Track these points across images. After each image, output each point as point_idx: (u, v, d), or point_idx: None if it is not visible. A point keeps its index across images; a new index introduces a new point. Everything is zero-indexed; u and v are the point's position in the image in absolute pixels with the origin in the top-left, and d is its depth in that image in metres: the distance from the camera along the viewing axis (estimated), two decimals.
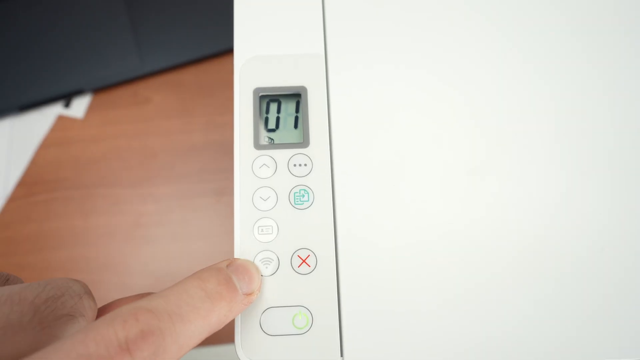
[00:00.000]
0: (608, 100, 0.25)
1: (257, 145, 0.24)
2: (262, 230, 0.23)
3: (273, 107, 0.25)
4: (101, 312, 0.20)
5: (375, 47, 0.26)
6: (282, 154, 0.24)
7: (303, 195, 0.24)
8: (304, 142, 0.24)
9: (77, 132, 0.48)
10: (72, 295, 0.18)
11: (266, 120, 0.25)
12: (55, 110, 0.49)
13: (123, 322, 0.15)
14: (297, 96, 0.25)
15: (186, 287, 0.18)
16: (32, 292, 0.18)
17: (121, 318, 0.16)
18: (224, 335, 0.43)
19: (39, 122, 0.48)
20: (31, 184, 0.47)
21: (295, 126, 0.25)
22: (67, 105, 0.49)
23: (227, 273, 0.20)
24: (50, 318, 0.17)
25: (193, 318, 0.17)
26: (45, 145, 0.48)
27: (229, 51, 0.49)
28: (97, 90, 0.49)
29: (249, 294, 0.21)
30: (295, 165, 0.24)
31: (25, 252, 0.45)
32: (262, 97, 0.25)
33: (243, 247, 0.23)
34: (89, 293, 0.19)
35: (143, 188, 0.46)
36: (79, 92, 0.48)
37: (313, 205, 0.24)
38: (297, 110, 0.25)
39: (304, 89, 0.25)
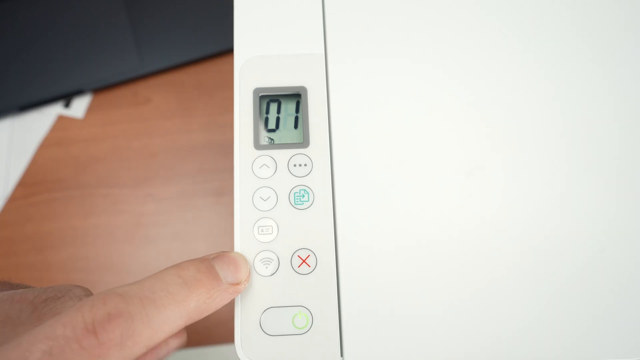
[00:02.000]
0: (610, 101, 0.25)
1: (257, 146, 0.24)
2: (262, 231, 0.23)
3: (273, 107, 0.25)
4: None
5: (376, 47, 0.26)
6: (282, 154, 0.24)
7: (303, 196, 0.24)
8: (304, 142, 0.24)
9: (77, 132, 0.48)
10: (72, 297, 0.19)
11: (266, 120, 0.25)
12: (55, 110, 0.49)
13: (91, 306, 0.16)
14: (297, 96, 0.25)
15: (162, 274, 0.19)
16: (33, 293, 0.19)
17: (90, 302, 0.16)
18: (224, 335, 0.43)
19: (39, 122, 0.48)
20: (31, 184, 0.47)
21: (295, 126, 0.25)
22: (67, 105, 0.49)
23: (210, 263, 0.20)
24: (49, 316, 0.18)
25: (167, 303, 0.18)
26: (45, 145, 0.48)
27: (229, 51, 0.49)
28: (97, 90, 0.49)
29: (236, 284, 0.21)
30: (295, 165, 0.24)
31: (25, 252, 0.45)
32: (262, 97, 0.25)
33: (243, 247, 0.23)
34: (89, 295, 0.20)
35: (143, 188, 0.46)
36: (79, 92, 0.48)
37: (313, 206, 0.23)
38: (297, 110, 0.25)
39: (304, 89, 0.25)
